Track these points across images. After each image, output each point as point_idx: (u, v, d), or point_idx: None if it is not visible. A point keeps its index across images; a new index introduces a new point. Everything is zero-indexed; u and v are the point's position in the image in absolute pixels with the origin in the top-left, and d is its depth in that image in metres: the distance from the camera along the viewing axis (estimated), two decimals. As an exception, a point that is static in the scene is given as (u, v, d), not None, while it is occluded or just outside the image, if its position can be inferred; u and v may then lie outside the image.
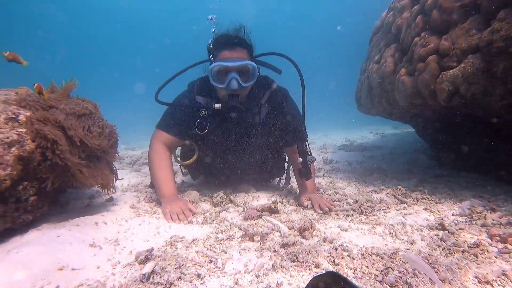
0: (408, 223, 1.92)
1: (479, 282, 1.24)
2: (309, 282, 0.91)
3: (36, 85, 1.98)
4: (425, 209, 2.17)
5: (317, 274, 1.00)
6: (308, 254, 1.50)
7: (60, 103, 1.98)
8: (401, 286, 1.23)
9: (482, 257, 1.43)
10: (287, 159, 2.94)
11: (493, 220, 1.81)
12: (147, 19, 29.85)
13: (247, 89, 2.36)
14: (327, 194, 2.70)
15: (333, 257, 1.48)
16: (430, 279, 1.23)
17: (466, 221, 1.88)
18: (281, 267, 1.41)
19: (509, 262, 1.38)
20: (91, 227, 1.86)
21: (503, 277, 1.26)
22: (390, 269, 1.34)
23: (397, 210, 2.21)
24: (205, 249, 1.63)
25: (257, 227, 1.92)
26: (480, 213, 1.95)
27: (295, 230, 1.86)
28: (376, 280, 1.29)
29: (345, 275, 1.22)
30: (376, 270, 1.36)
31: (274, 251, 1.59)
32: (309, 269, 1.40)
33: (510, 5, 1.78)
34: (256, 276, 1.35)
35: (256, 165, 2.75)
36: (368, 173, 3.49)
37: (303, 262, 1.44)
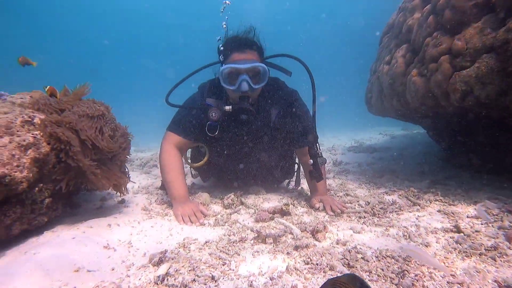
0: (422, 225, 1.90)
1: (499, 287, 1.22)
2: (324, 283, 0.90)
3: (48, 87, 2.01)
4: (439, 211, 2.14)
5: (334, 277, 0.99)
6: (322, 257, 1.49)
7: (72, 106, 2.00)
8: (418, 290, 1.21)
9: (501, 261, 1.40)
10: (297, 160, 2.93)
11: (510, 222, 1.78)
12: (157, 19, 30.03)
13: (257, 91, 2.37)
14: (338, 196, 2.68)
15: (347, 259, 1.47)
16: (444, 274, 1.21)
17: (482, 223, 1.85)
18: (295, 269, 1.40)
19: (529, 265, 1.35)
20: (105, 229, 1.88)
21: (523, 281, 1.23)
22: (406, 271, 1.32)
23: (410, 212, 2.18)
24: (218, 251, 1.63)
25: (269, 229, 1.91)
26: (496, 215, 1.92)
27: (308, 232, 1.85)
28: (392, 283, 1.27)
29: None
30: (392, 273, 1.34)
31: (288, 253, 1.58)
32: (324, 272, 1.38)
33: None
34: (271, 279, 1.34)
35: (266, 167, 2.74)
36: (378, 174, 3.46)
37: (317, 264, 1.43)
